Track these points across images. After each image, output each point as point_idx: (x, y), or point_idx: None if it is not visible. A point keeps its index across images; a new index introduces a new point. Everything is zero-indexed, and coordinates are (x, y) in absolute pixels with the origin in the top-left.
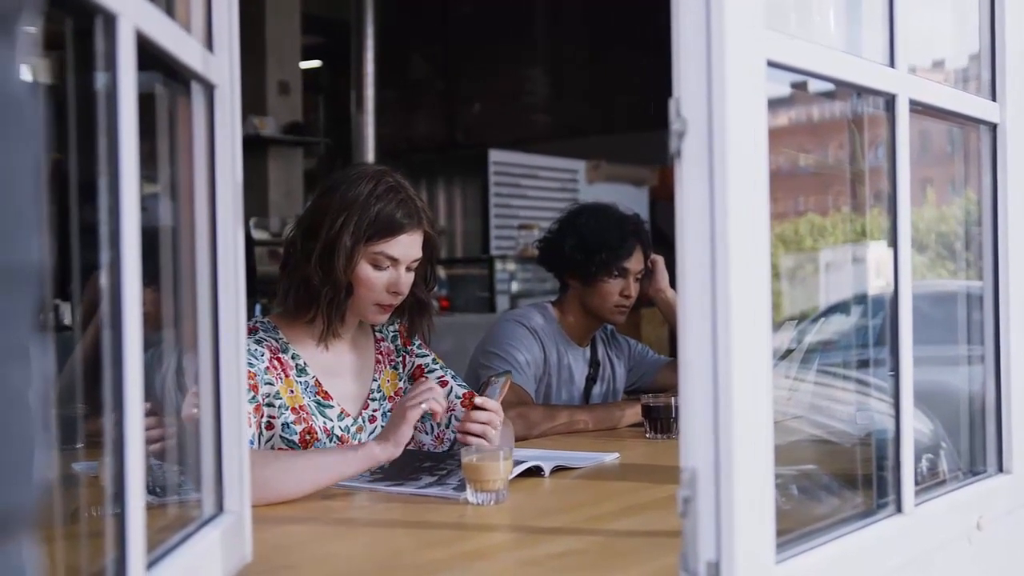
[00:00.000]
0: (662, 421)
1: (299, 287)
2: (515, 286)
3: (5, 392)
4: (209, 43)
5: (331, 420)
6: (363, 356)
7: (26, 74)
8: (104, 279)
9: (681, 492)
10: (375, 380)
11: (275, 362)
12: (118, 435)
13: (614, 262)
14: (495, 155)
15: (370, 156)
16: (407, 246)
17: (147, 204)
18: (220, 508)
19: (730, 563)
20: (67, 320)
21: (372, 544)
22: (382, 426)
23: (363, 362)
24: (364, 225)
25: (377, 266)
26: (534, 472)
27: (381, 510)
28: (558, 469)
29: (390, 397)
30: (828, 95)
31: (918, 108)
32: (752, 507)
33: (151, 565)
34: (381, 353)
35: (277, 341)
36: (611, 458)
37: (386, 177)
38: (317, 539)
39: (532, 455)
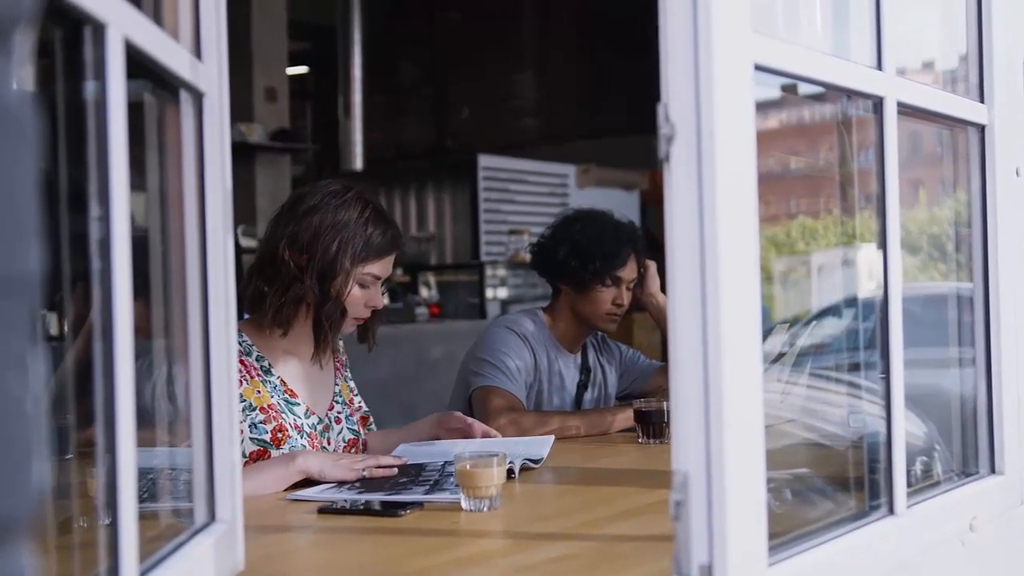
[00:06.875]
0: (654, 426)
1: (292, 304)
2: (505, 292)
3: (4, 400)
4: (197, 51)
5: (299, 417)
6: (325, 363)
7: (22, 84)
8: (95, 289)
9: (673, 496)
10: (336, 385)
11: (239, 365)
12: (110, 445)
13: (608, 271)
14: (484, 160)
15: (358, 163)
16: (390, 265)
17: (135, 213)
18: (212, 517)
19: (723, 566)
20: (53, 331)
21: (365, 552)
22: (347, 428)
23: (325, 368)
24: (359, 248)
25: (363, 285)
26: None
27: (373, 518)
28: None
29: (348, 403)
30: (818, 97)
31: (906, 110)
32: (744, 510)
33: (144, 574)
34: (339, 362)
35: (240, 344)
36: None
37: (365, 197)
38: (309, 548)
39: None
